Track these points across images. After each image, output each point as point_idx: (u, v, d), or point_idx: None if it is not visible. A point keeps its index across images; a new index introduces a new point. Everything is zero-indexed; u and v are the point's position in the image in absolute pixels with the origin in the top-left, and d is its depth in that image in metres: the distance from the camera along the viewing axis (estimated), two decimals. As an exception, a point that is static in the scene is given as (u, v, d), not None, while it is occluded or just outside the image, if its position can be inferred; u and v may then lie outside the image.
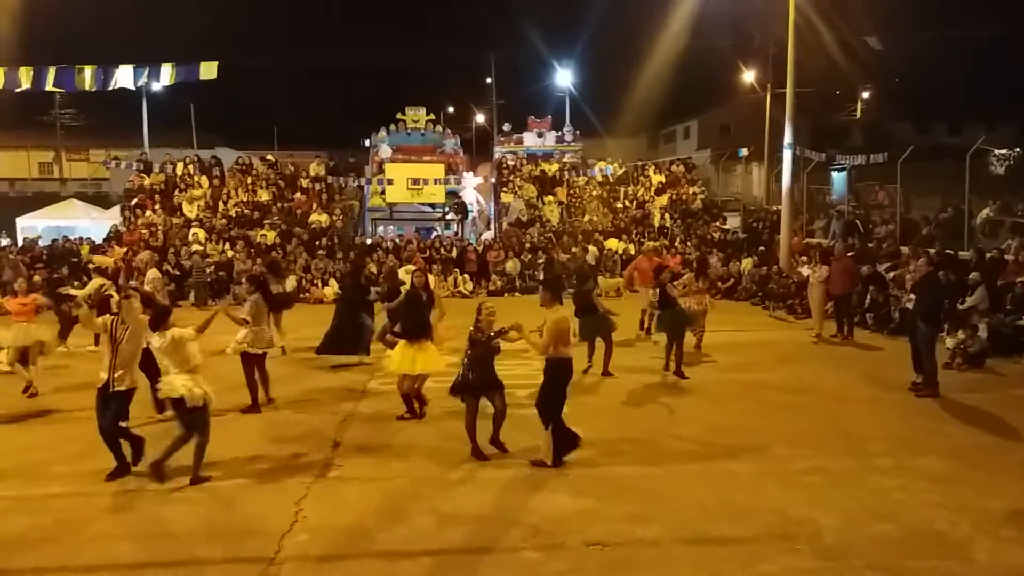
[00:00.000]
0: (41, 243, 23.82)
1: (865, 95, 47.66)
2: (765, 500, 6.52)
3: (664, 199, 27.94)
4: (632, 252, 23.45)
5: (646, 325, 14.09)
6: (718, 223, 26.41)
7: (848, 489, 6.75)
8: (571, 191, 28.73)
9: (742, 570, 5.33)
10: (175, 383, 6.86)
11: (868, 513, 6.23)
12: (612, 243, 24.28)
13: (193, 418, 6.88)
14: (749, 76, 37.15)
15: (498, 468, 7.28)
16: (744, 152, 31.87)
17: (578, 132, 33.74)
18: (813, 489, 6.76)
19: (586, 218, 27.28)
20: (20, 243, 25.15)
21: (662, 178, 29.41)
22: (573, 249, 23.04)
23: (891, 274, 16.04)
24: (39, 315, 10.84)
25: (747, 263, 21.41)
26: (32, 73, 11.08)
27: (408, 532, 5.94)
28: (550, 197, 28.04)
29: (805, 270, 14.73)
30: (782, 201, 21.46)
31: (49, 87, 11.76)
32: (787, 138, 20.98)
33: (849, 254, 15.52)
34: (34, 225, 28.81)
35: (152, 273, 12.58)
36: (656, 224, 26.49)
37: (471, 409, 7.54)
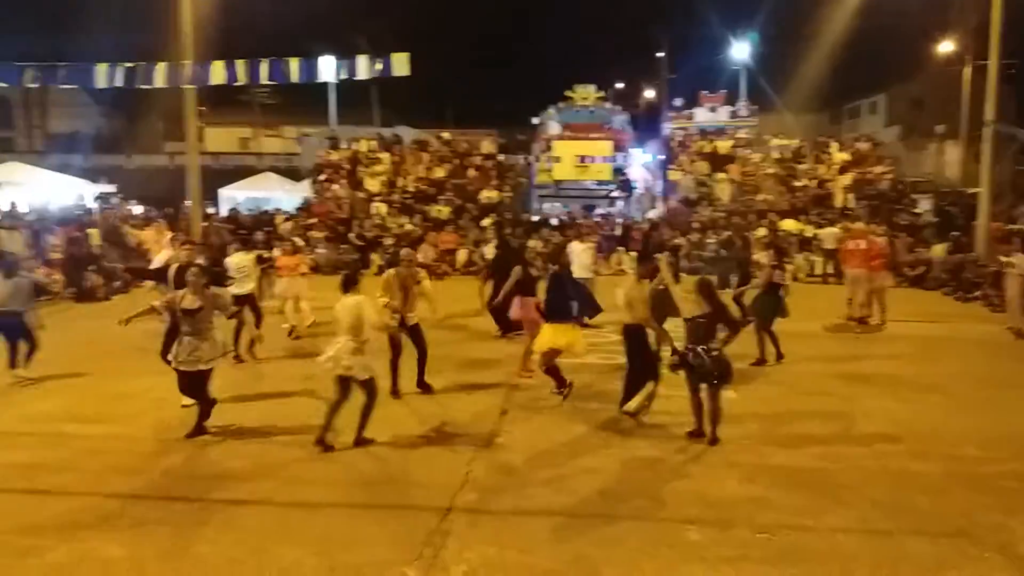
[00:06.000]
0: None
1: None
2: (952, 503, 6.14)
3: (847, 178, 26.37)
4: (808, 234, 22.46)
5: (855, 314, 13.48)
6: (908, 205, 24.67)
7: (1053, 499, 6.21)
8: (744, 168, 27.76)
9: (926, 573, 5.08)
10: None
11: (1075, 527, 5.71)
12: (788, 224, 23.29)
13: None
14: (946, 46, 34.18)
15: (664, 448, 7.30)
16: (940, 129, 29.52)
17: (754, 107, 32.48)
18: (1009, 495, 6.27)
19: (760, 196, 26.29)
20: (223, 212, 27.53)
21: (846, 156, 27.79)
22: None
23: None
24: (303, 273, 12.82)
25: (938, 249, 19.87)
26: (247, 67, 12.12)
27: (573, 500, 6.12)
28: (721, 175, 27.21)
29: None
30: (980, 183, 19.72)
31: (263, 80, 12.79)
32: (988, 114, 19.22)
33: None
34: (234, 196, 31.31)
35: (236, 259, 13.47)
36: (838, 205, 25.11)
37: (716, 394, 7.43)
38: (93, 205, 24.95)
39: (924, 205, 25.41)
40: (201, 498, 6.15)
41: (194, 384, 7.46)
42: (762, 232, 21.25)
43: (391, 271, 9.02)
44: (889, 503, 6.12)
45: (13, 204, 20.65)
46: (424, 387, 9.05)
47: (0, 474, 6.60)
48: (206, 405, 7.54)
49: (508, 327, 12.18)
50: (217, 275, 7.76)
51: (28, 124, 54.66)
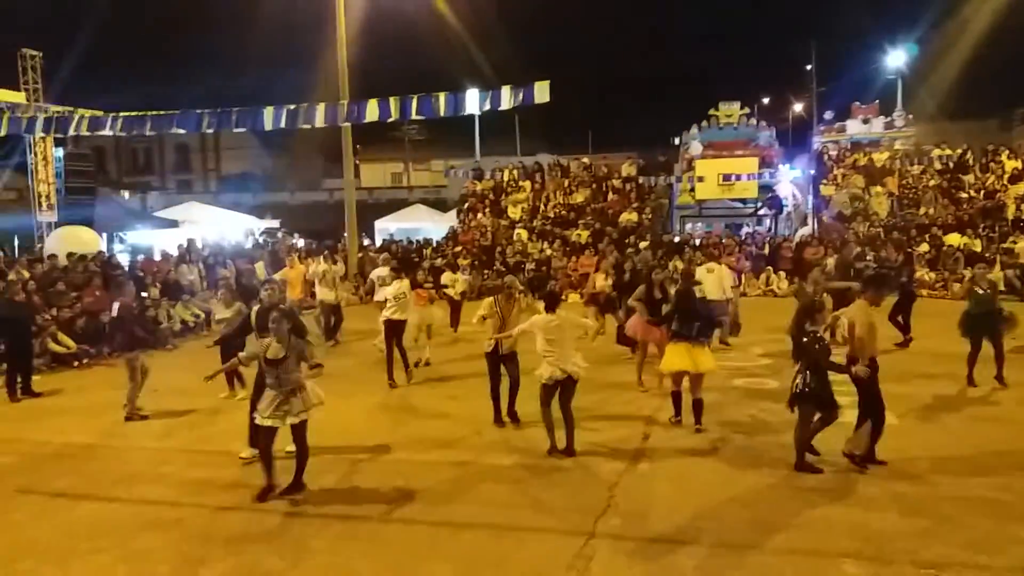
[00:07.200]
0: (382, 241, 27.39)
1: None
2: None
3: (1020, 188, 24.29)
4: (977, 248, 20.84)
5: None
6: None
7: None
8: (903, 181, 26.14)
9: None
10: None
11: None
12: (953, 238, 21.70)
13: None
14: None
15: (818, 477, 6.94)
16: None
17: (911, 116, 30.58)
18: None
19: (922, 211, 24.65)
20: (378, 243, 28.91)
21: (1018, 164, 25.60)
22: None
23: None
24: (432, 302, 13.36)
25: None
26: (399, 103, 12.72)
27: (720, 529, 5.94)
28: (878, 188, 25.74)
29: None
30: None
31: (414, 115, 13.37)
32: None
33: None
34: (387, 227, 32.86)
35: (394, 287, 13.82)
36: (1010, 217, 23.14)
37: (804, 420, 7.08)
38: (260, 239, 26.87)
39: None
40: (353, 516, 6.45)
41: (267, 440, 6.70)
42: (925, 248, 19.98)
43: (491, 299, 9.04)
44: (1078, 542, 5.54)
45: (191, 240, 22.55)
46: (513, 417, 8.89)
47: (179, 490, 7.20)
48: (303, 458, 6.84)
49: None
50: (299, 320, 7.20)
51: (204, 167, 60.08)
